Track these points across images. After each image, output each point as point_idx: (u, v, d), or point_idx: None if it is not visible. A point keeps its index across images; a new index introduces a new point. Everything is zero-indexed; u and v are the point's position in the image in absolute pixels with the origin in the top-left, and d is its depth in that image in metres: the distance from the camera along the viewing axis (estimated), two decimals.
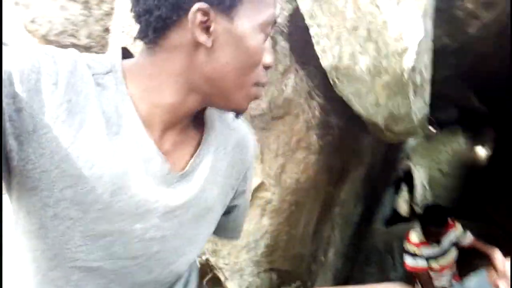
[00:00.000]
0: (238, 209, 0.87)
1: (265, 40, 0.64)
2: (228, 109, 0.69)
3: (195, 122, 0.72)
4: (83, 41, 1.81)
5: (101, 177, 0.61)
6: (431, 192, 4.94)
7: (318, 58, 1.71)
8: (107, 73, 0.64)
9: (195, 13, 0.58)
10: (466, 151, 4.62)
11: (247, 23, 0.61)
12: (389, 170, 4.32)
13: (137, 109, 0.63)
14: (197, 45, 0.61)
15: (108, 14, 1.88)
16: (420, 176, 5.05)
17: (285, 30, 1.67)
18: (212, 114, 0.75)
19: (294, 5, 1.68)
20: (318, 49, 1.48)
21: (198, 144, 0.72)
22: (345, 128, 2.18)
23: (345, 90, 1.60)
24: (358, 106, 1.64)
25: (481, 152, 4.81)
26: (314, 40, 1.48)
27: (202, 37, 0.59)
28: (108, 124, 0.61)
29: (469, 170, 4.70)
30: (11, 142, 0.55)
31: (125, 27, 1.60)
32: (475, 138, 4.65)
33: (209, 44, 0.60)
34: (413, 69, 1.42)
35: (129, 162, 0.62)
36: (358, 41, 1.40)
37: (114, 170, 0.61)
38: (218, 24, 0.60)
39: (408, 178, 5.50)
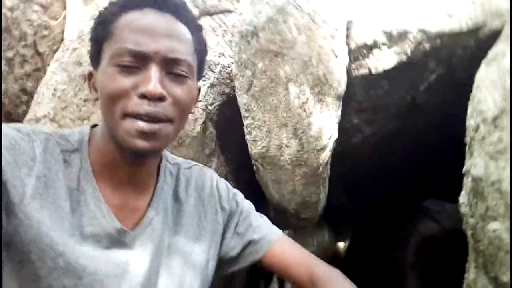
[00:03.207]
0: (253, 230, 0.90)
1: (119, 72, 0.64)
2: (124, 148, 0.66)
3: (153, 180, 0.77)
4: None
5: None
6: None
7: (236, 147, 1.89)
8: (74, 151, 0.68)
9: (86, 76, 0.74)
10: (329, 243, 5.17)
11: (103, 65, 0.68)
12: None
13: (99, 184, 0.68)
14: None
15: (29, 75, 1.79)
16: None
17: (214, 118, 1.84)
18: (165, 165, 0.81)
19: (224, 98, 1.88)
20: (249, 138, 1.67)
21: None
22: None
23: (266, 176, 1.78)
24: (274, 191, 1.83)
25: (341, 245, 5.44)
26: (246, 130, 1.67)
27: (92, 94, 0.73)
28: (72, 201, 0.65)
29: (331, 261, 5.21)
30: None
31: (57, 90, 1.56)
32: (336, 232, 5.29)
33: (94, 96, 0.73)
34: (326, 163, 1.71)
35: (89, 238, 0.66)
36: (285, 136, 1.64)
37: (81, 243, 0.64)
38: (96, 78, 0.70)
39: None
